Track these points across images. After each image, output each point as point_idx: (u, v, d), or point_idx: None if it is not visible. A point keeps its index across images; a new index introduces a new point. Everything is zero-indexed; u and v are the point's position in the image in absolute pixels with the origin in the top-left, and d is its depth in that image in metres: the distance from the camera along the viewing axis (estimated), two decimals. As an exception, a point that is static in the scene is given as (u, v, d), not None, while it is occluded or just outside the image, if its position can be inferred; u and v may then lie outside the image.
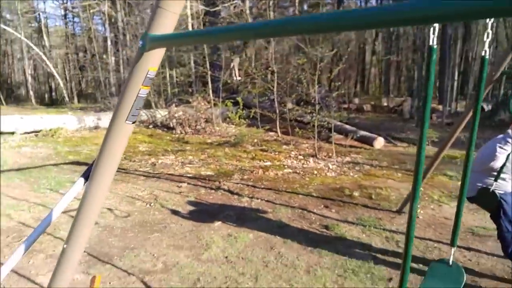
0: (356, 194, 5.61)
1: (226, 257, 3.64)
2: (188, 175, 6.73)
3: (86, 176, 1.32)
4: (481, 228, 4.33)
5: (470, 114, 3.17)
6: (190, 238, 4.05)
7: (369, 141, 9.49)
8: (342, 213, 4.89)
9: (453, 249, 2.24)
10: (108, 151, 1.26)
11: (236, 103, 11.26)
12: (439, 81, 15.77)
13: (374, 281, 3.25)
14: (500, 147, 3.22)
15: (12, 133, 10.19)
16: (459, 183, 2.20)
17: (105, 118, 12.08)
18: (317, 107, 8.02)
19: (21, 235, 4.03)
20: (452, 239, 2.24)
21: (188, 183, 6.14)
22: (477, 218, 4.63)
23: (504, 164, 3.15)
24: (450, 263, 2.24)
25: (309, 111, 8.26)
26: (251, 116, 10.67)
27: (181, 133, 10.99)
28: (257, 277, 3.26)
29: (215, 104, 11.95)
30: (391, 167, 7.42)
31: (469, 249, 3.86)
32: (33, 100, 22.53)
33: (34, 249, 3.64)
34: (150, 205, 5.08)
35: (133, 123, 1.35)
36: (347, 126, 10.21)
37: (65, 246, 1.35)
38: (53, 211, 1.37)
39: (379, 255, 3.73)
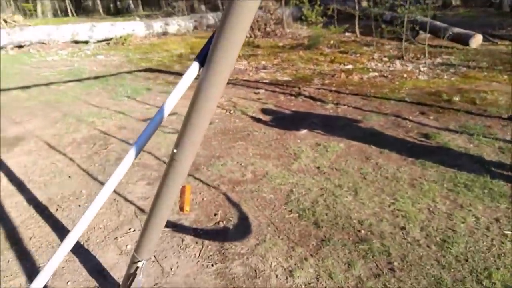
0: (456, 99, 4.93)
1: (318, 167, 3.35)
2: (264, 81, 6.34)
3: (201, 59, 0.97)
4: None
5: None
6: (276, 147, 3.79)
7: (463, 40, 8.25)
8: (442, 120, 4.31)
9: None
10: (232, 24, 0.85)
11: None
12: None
13: (493, 198, 2.80)
14: None
15: (86, 42, 10.34)
16: None
17: (173, 24, 11.75)
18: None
19: (106, 142, 4.03)
20: None
21: (266, 90, 5.78)
22: None
23: None
24: None
25: (399, 3, 7.11)
26: (328, 14, 9.63)
27: (250, 36, 10.39)
28: (356, 190, 2.96)
29: (285, 3, 10.95)
30: (494, 68, 6.42)
31: None
32: (101, 10, 22.69)
33: (120, 158, 3.60)
34: (230, 112, 4.85)
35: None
36: (438, 23, 8.90)
37: (174, 150, 1.06)
38: (165, 105, 1.07)
39: (494, 168, 3.23)
